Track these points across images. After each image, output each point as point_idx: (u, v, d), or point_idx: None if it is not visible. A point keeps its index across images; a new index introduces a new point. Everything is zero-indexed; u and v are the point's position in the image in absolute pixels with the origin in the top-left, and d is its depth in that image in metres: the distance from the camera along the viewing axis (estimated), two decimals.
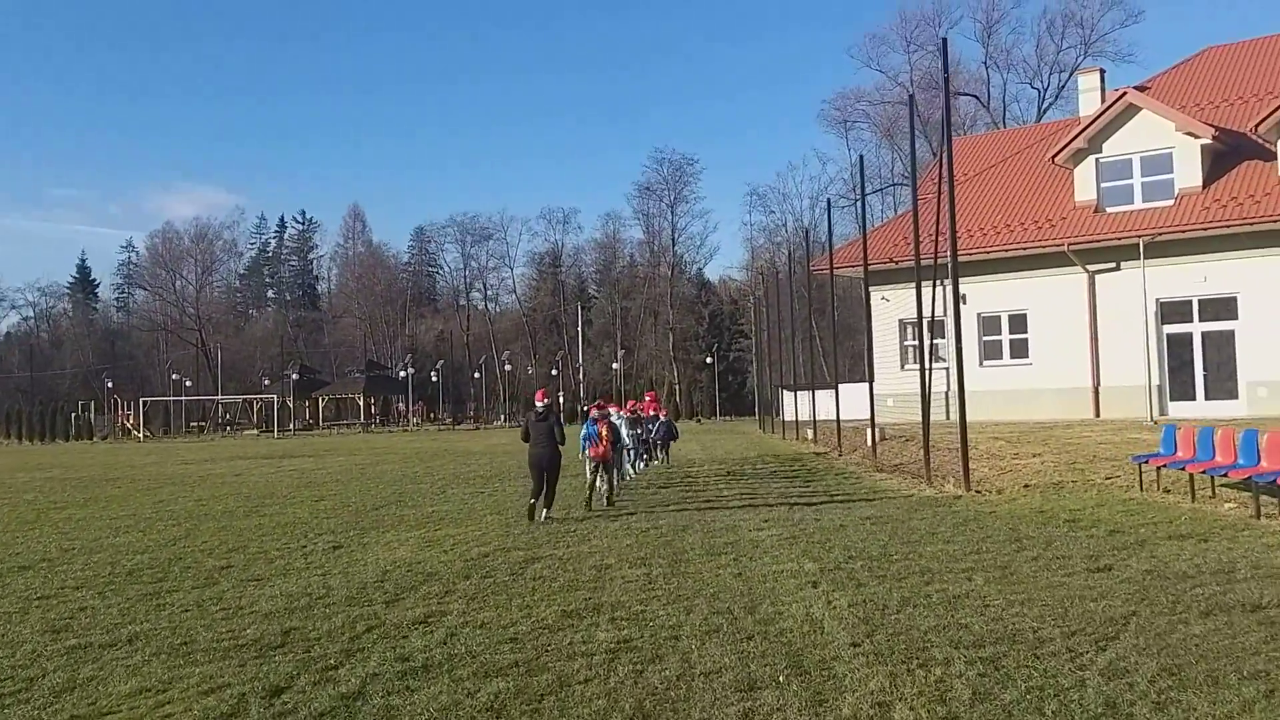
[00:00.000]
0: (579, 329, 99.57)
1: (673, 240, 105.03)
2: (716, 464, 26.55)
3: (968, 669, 6.42)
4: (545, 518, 15.01)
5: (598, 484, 16.96)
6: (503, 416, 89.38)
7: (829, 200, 32.36)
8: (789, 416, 43.41)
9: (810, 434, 35.18)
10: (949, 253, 16.89)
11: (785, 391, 51.00)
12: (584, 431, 17.38)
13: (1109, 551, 10.16)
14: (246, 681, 6.85)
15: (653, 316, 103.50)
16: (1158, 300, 30.22)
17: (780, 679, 6.44)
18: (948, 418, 34.58)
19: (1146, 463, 14.86)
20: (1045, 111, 70.29)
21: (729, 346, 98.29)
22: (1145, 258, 29.64)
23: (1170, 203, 30.35)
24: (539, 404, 15.84)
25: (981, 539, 11.34)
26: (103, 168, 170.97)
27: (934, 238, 34.14)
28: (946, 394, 34.97)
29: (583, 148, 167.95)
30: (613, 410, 20.31)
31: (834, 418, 34.51)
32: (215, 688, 6.76)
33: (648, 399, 29.12)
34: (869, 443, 27.38)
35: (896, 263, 33.13)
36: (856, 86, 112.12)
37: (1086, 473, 17.21)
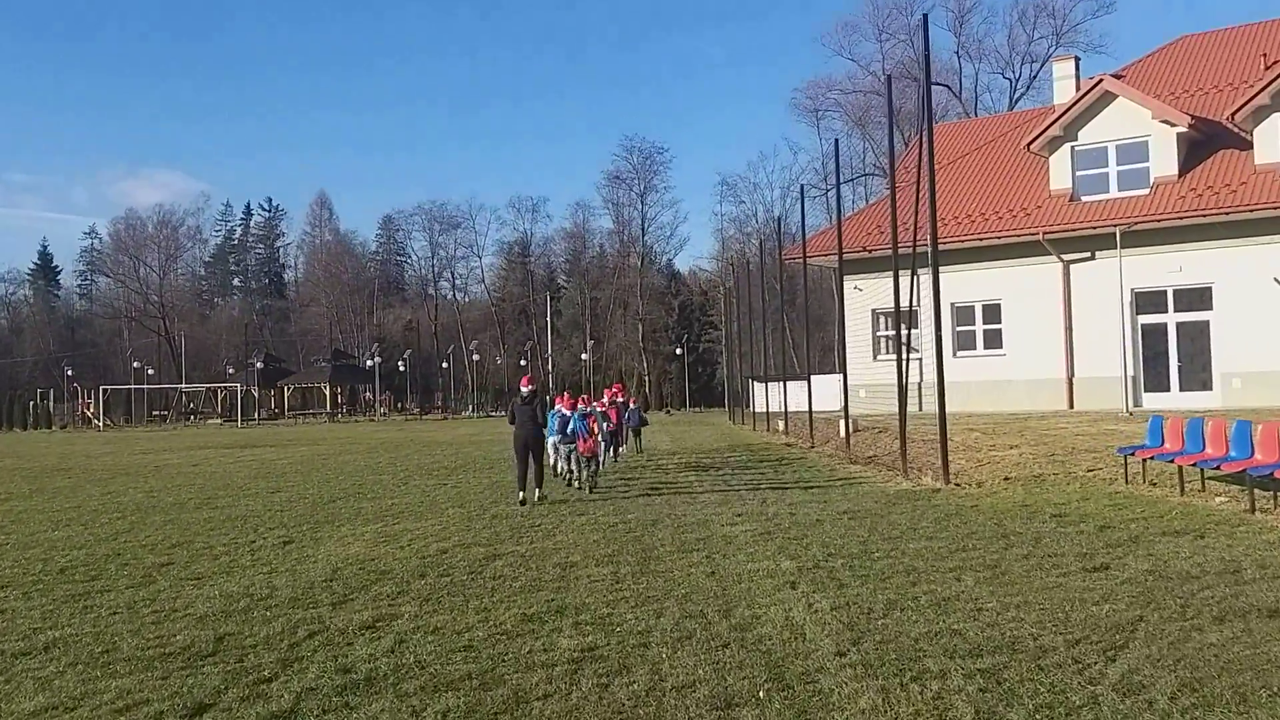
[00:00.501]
0: (548, 319, 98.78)
1: (643, 230, 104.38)
2: (687, 455, 25.96)
3: (967, 683, 5.82)
4: (539, 497, 15.65)
5: (580, 472, 17.42)
6: (471, 406, 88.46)
7: (802, 187, 31.81)
8: (759, 408, 42.93)
9: (781, 425, 34.66)
10: (929, 240, 16.34)
11: (755, 383, 50.53)
12: (550, 422, 17.49)
13: (1103, 549, 9.61)
14: (167, 697, 6.16)
15: (622, 307, 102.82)
16: (1132, 290, 29.85)
17: (760, 695, 5.82)
18: (920, 409, 34.25)
19: (1133, 454, 14.36)
20: (1017, 102, 70.10)
21: (698, 338, 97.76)
22: (1125, 247, 29.24)
23: (1146, 191, 29.99)
24: (524, 389, 16.57)
25: (966, 535, 10.78)
26: (65, 154, 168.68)
27: (910, 226, 33.63)
28: (920, 385, 34.68)
29: (552, 136, 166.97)
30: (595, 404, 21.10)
31: (804, 409, 34.00)
32: (132, 704, 6.07)
33: (615, 390, 28.63)
34: (842, 434, 26.87)
35: (870, 251, 32.66)
36: (828, 75, 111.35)
37: (1067, 465, 16.72)
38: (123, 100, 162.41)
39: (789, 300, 53.27)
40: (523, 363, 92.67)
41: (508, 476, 20.42)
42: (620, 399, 26.49)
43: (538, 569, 9.91)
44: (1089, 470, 15.92)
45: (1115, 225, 29.34)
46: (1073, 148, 31.35)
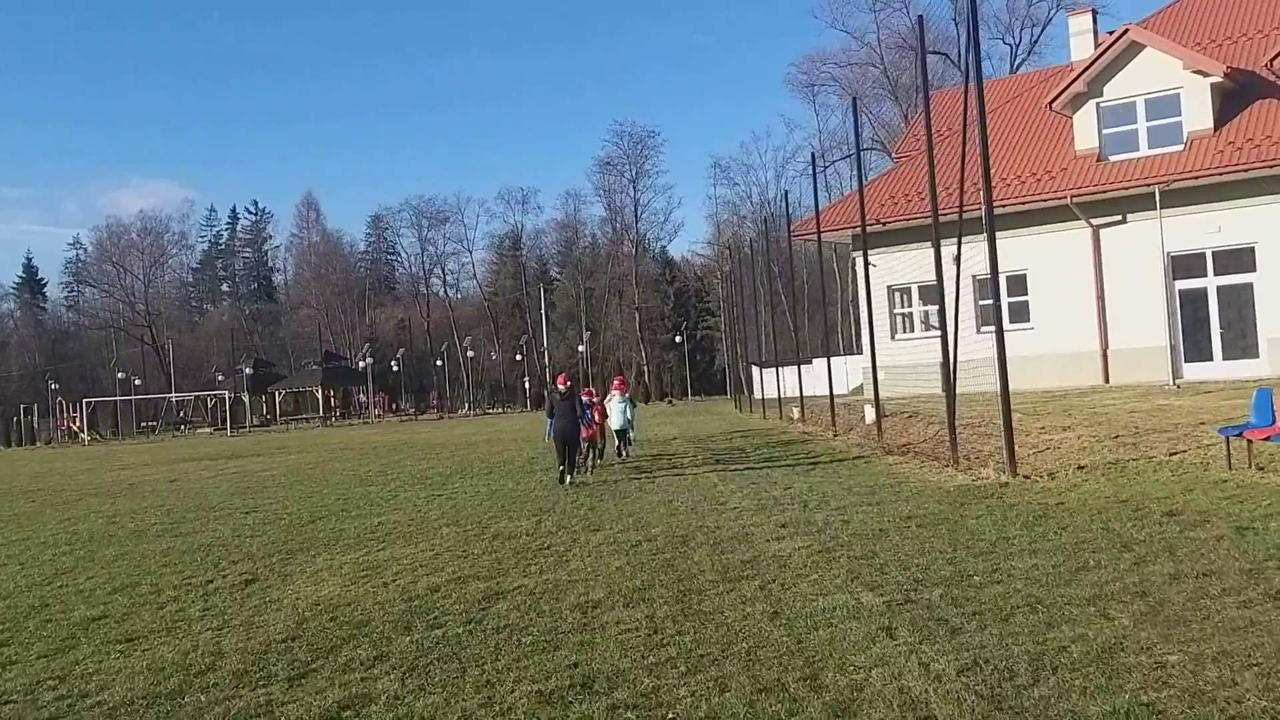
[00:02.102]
0: (542, 312, 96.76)
1: (636, 217, 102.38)
2: (700, 449, 23.90)
3: None
4: (578, 481, 17.57)
5: (586, 457, 19.25)
6: (467, 404, 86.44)
7: (813, 154, 29.69)
8: (761, 394, 41.04)
9: (796, 412, 32.65)
10: (983, 199, 14.34)
11: (756, 368, 48.72)
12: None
13: (1270, 563, 7.59)
14: None
15: (618, 296, 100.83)
16: (1168, 254, 27.86)
17: None
18: (942, 391, 32.24)
19: (1239, 435, 12.33)
20: (1018, 67, 67.85)
21: (696, 325, 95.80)
22: (1155, 208, 27.27)
23: (1179, 147, 27.95)
24: (561, 386, 18.51)
25: (1075, 546, 8.77)
26: (53, 165, 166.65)
27: (925, 196, 31.33)
28: (942, 365, 32.60)
29: (539, 125, 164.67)
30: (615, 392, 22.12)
31: (815, 394, 32.04)
32: None
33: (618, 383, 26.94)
34: (867, 420, 24.89)
35: (885, 225, 30.67)
36: (822, 48, 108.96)
37: (1141, 448, 14.74)
38: (110, 109, 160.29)
39: (786, 282, 51.27)
40: (518, 357, 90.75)
41: (508, 484, 18.50)
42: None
43: (551, 613, 7.90)
44: (1171, 454, 13.94)
45: (1148, 185, 27.37)
46: (1098, 104, 29.31)
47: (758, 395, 45.48)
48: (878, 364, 31.22)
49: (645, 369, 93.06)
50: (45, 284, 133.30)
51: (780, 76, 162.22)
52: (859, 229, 32.71)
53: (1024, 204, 29.41)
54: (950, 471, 15.33)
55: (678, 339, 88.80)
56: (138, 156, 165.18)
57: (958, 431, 19.88)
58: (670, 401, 76.01)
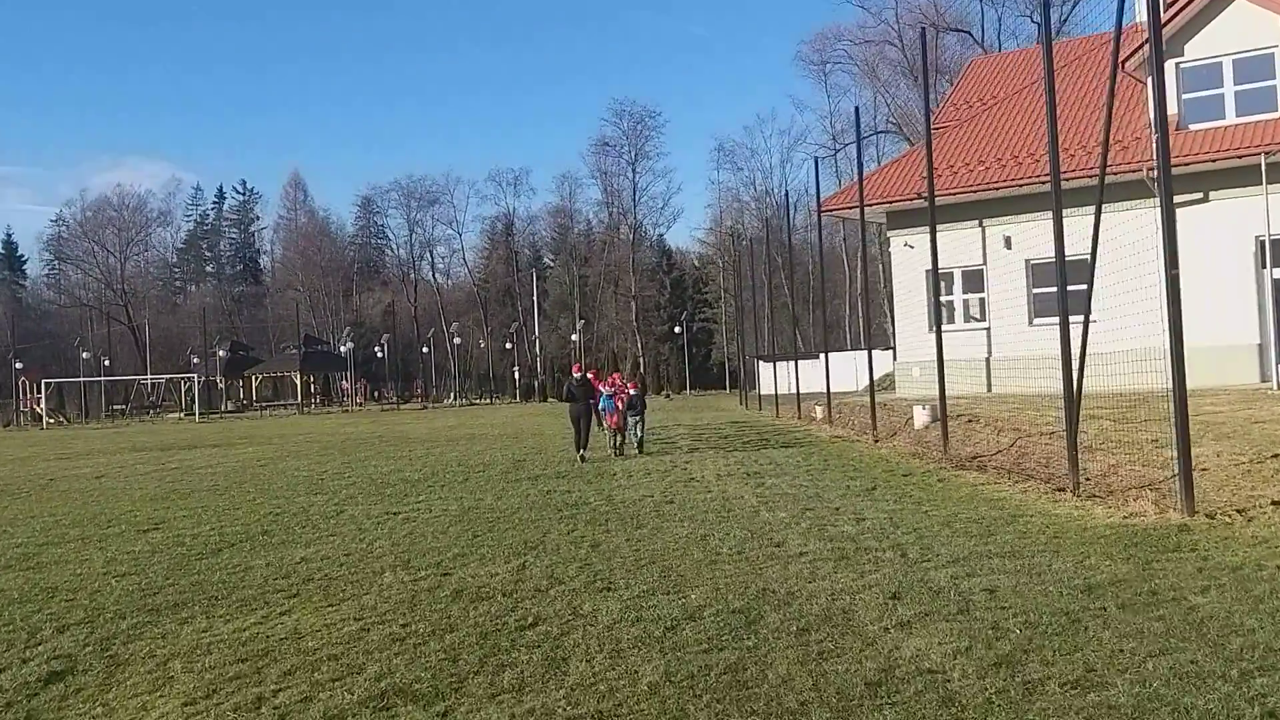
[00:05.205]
0: (534, 299, 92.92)
1: (634, 201, 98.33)
2: (717, 452, 19.90)
3: None
4: (584, 458, 19.26)
5: (618, 441, 20.74)
6: (452, 394, 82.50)
7: (856, 109, 25.76)
8: (775, 389, 37.49)
9: (819, 411, 28.83)
10: (1158, 162, 10.63)
11: (764, 362, 45.54)
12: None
13: None
14: None
15: (613, 285, 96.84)
16: (1258, 239, 24.16)
17: None
18: (989, 390, 28.39)
19: None
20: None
21: (694, 316, 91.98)
22: (1245, 185, 23.56)
23: (1274, 115, 24.20)
24: (576, 374, 21.00)
25: None
26: (46, 145, 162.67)
27: (972, 169, 27.35)
28: (989, 360, 28.74)
29: (533, 102, 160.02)
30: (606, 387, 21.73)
31: (817, 390, 28.46)
32: None
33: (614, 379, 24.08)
34: (918, 424, 21.08)
35: (926, 198, 26.90)
36: (836, 24, 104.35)
37: None
38: (105, 88, 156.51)
39: (788, 274, 47.55)
40: (508, 345, 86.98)
41: (487, 498, 14.61)
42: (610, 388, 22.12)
43: None
44: None
45: (1239, 156, 23.64)
46: (1178, 64, 25.49)
47: (764, 390, 42.13)
48: (917, 359, 27.52)
49: (640, 360, 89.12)
50: (25, 260, 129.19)
51: (787, 55, 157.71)
52: (900, 201, 29.22)
53: (1092, 176, 25.51)
54: (1073, 500, 11.54)
55: (676, 329, 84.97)
56: (132, 137, 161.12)
57: (1041, 443, 16.35)
58: (667, 395, 72.13)
